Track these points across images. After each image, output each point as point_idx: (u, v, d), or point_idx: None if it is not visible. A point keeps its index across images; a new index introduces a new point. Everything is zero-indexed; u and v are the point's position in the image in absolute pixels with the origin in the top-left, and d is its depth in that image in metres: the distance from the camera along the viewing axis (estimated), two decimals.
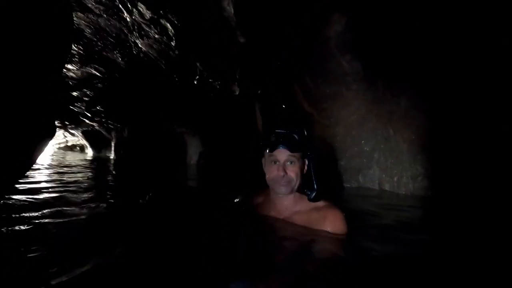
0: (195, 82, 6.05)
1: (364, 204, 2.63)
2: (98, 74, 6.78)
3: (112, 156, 10.93)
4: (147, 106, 8.77)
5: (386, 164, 3.53)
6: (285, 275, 1.05)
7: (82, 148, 14.00)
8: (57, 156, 11.14)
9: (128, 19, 3.90)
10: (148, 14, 3.69)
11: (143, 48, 4.89)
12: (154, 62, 5.43)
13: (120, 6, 3.60)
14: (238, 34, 4.01)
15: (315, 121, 4.23)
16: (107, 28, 4.24)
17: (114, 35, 4.44)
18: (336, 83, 3.85)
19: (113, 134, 11.13)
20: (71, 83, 7.43)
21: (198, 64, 5.29)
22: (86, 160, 9.98)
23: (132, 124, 10.17)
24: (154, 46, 4.74)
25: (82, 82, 7.56)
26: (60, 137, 15.02)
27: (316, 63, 4.03)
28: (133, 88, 7.66)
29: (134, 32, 4.27)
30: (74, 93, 8.39)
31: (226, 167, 7.93)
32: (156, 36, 4.30)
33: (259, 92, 5.10)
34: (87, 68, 6.20)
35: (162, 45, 4.64)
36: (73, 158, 10.99)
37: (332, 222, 1.38)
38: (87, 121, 10.29)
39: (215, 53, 4.72)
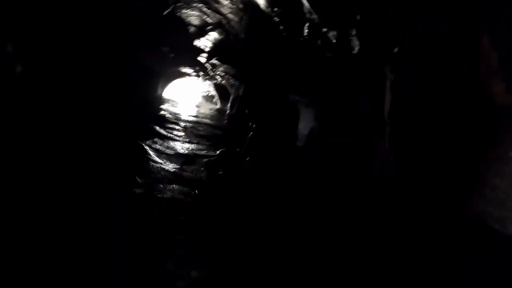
0: (306, 33, 4.26)
1: None
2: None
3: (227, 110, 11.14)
4: (259, 66, 7.72)
5: None
6: None
7: (212, 98, 15.42)
8: None
9: None
10: None
11: None
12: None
13: None
14: None
15: None
16: None
17: None
18: None
19: (233, 90, 11.14)
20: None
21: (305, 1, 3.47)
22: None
23: (248, 83, 9.61)
24: None
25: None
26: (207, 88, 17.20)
27: None
28: (246, 44, 6.67)
29: None
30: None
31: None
32: None
33: (395, 51, 2.87)
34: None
35: None
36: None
37: None
38: (212, 72, 10.62)
39: None
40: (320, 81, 6.66)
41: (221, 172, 5.17)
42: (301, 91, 8.10)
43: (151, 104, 9.71)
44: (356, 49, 3.41)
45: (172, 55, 8.69)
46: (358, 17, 2.82)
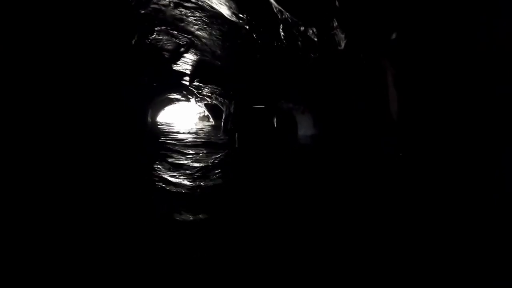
0: (282, 36, 3.70)
1: None
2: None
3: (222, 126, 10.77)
4: (244, 79, 7.19)
5: None
6: None
7: (208, 118, 15.32)
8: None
9: None
10: None
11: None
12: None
13: None
14: None
15: None
16: None
17: None
18: None
19: (224, 107, 10.68)
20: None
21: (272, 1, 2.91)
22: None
23: (238, 98, 9.09)
24: None
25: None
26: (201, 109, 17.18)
27: None
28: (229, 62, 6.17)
29: None
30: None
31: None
32: None
33: (393, 37, 2.22)
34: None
35: None
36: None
37: None
38: (199, 95, 10.16)
39: None
40: (310, 86, 6.05)
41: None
42: (294, 98, 7.51)
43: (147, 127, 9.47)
44: (343, 44, 2.79)
45: (154, 84, 8.26)
46: (336, 3, 2.20)
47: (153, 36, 5.53)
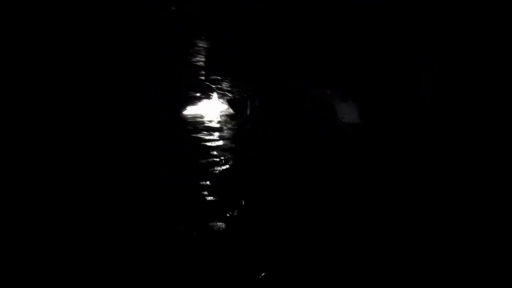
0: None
1: None
2: None
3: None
4: (265, 68, 5.98)
5: None
6: None
7: (231, 113, 14.41)
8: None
9: None
10: None
11: None
12: None
13: None
14: None
15: None
16: None
17: None
18: None
19: (248, 101, 9.59)
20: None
21: None
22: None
23: (262, 90, 7.91)
24: None
25: None
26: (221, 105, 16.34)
27: None
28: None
29: None
30: None
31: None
32: None
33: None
34: None
35: None
36: None
37: None
38: (219, 91, 9.16)
39: None
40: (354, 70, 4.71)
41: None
42: (331, 83, 6.15)
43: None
44: None
45: (166, 83, 7.37)
46: None
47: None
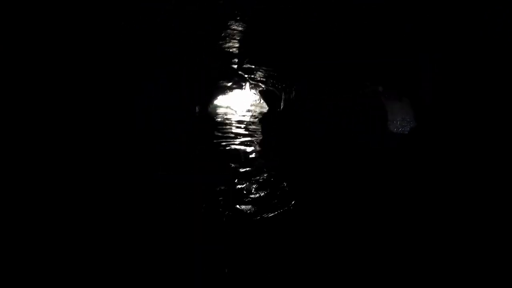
0: None
1: None
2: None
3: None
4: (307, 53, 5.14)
5: None
6: None
7: (262, 105, 13.74)
8: None
9: None
10: None
11: None
12: None
13: None
14: None
15: None
16: None
17: None
18: None
19: (282, 93, 8.73)
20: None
21: None
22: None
23: (299, 83, 7.01)
24: None
25: None
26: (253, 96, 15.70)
27: None
28: None
29: None
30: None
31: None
32: None
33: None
34: None
35: None
36: None
37: None
38: (252, 81, 8.38)
39: None
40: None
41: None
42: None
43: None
44: None
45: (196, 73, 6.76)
46: None
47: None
